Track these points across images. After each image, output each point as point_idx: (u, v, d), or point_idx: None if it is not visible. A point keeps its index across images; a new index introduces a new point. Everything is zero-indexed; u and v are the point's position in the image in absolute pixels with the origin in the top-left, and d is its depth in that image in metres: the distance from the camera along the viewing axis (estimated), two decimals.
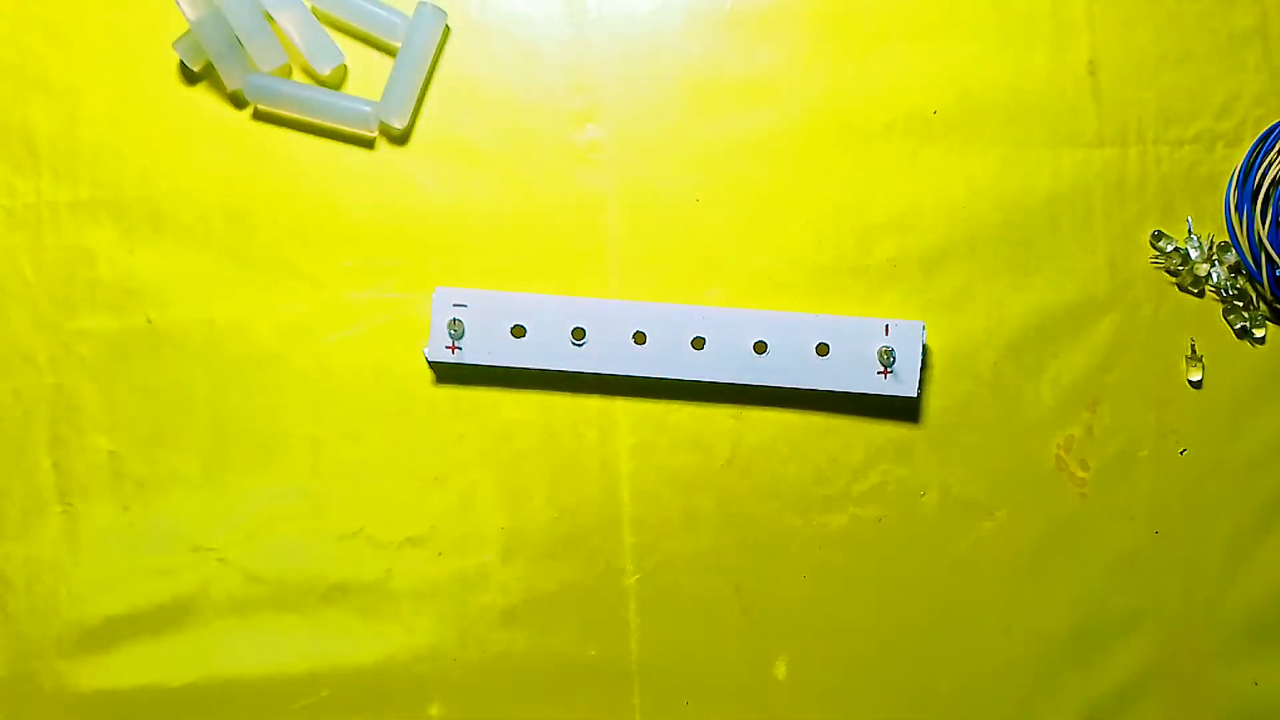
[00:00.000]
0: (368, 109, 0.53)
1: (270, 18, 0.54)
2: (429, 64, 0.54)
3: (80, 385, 0.54)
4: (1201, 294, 0.54)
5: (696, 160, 0.54)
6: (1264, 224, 0.53)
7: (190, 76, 0.55)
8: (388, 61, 0.55)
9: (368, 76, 0.55)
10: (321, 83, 0.55)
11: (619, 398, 0.54)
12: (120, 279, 0.54)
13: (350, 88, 0.55)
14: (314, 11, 0.54)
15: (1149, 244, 0.54)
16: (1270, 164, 0.53)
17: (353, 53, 0.55)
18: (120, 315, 0.54)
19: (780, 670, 0.53)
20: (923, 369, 0.53)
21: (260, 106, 0.54)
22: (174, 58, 0.55)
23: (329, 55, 0.54)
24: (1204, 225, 0.54)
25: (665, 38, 0.55)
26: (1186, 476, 0.53)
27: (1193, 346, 0.53)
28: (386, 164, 0.55)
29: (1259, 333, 0.53)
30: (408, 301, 0.54)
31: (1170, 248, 0.54)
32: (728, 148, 0.54)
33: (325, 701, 0.53)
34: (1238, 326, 0.53)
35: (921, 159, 0.54)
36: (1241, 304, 0.54)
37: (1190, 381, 0.53)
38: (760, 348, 0.52)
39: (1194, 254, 0.53)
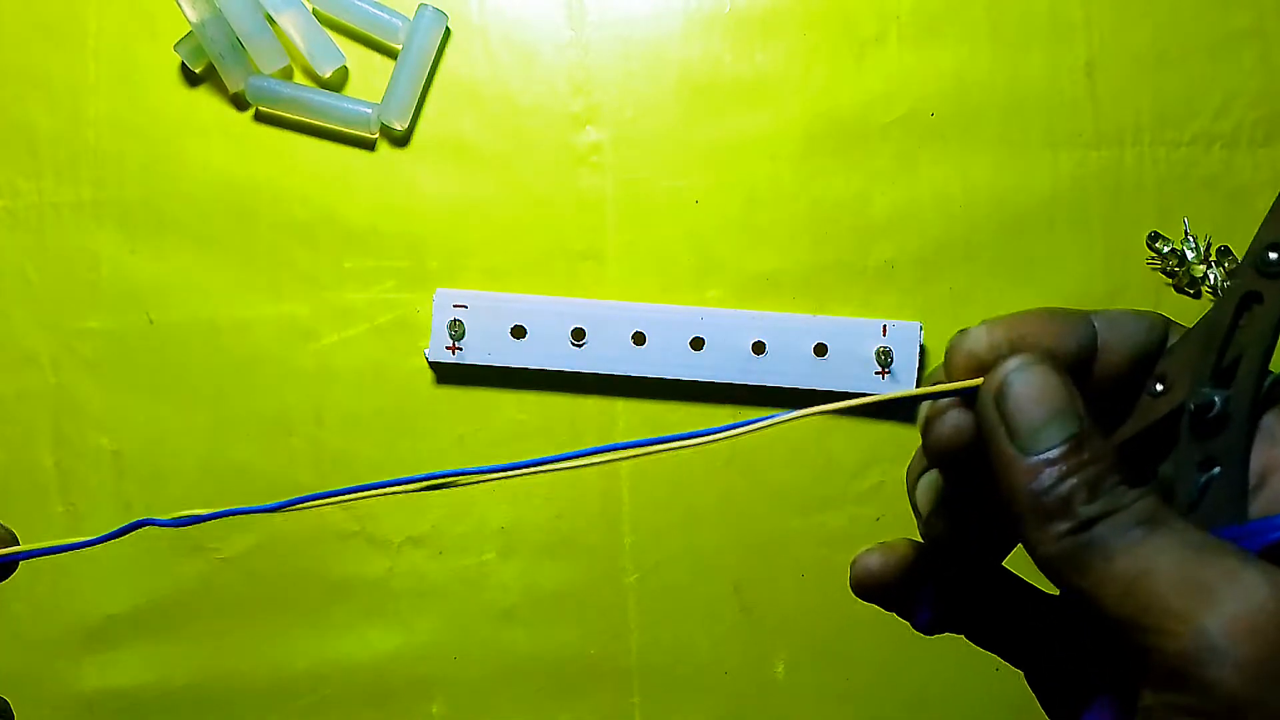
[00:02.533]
0: (369, 111, 0.54)
1: (272, 20, 0.54)
2: (429, 66, 0.55)
3: (82, 385, 0.54)
4: (1198, 295, 0.54)
5: (696, 162, 0.54)
6: None
7: (192, 78, 0.55)
8: (388, 63, 0.55)
9: (369, 78, 0.55)
10: (323, 84, 0.55)
11: (619, 398, 0.54)
12: (122, 279, 0.54)
13: (351, 89, 0.55)
14: (315, 14, 0.55)
15: (1145, 245, 0.54)
16: None
17: (354, 55, 0.56)
18: (122, 315, 0.54)
19: (779, 669, 0.53)
20: (921, 369, 0.53)
21: (262, 108, 0.55)
22: (175, 59, 0.55)
23: (330, 57, 0.54)
24: (1201, 226, 0.54)
25: (665, 40, 0.55)
26: None
27: None
28: (387, 165, 0.55)
29: None
30: (408, 301, 0.54)
31: (1167, 249, 0.54)
32: (727, 149, 0.55)
33: (327, 700, 0.53)
34: None
35: (919, 160, 0.54)
36: None
37: None
38: (759, 348, 0.52)
39: (1190, 255, 0.54)
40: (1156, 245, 0.54)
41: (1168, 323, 0.26)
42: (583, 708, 0.53)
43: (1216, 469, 0.23)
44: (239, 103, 0.55)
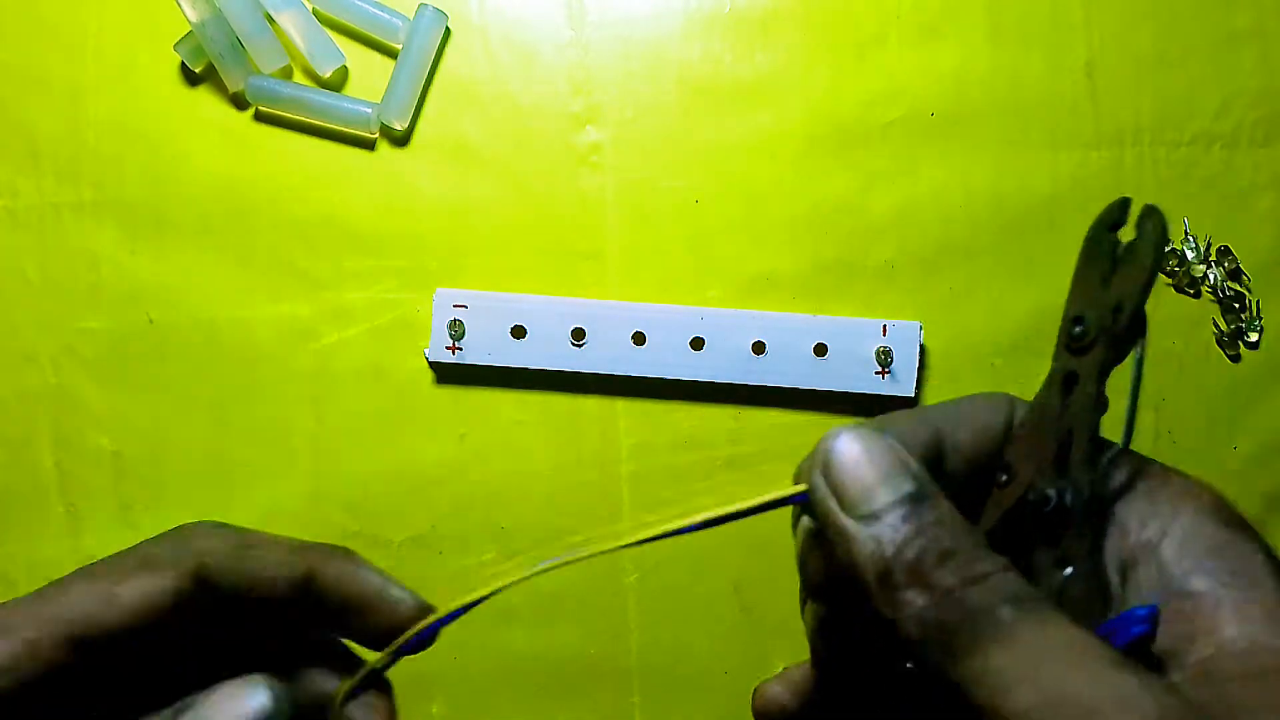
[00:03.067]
0: (368, 110, 0.54)
1: (272, 20, 0.54)
2: (429, 66, 0.55)
3: (83, 385, 0.54)
4: (1198, 295, 0.54)
5: (696, 162, 0.54)
6: None
7: (192, 78, 0.55)
8: (388, 63, 0.55)
9: (369, 78, 0.55)
10: (323, 84, 0.55)
11: (619, 398, 0.54)
12: (122, 280, 0.54)
13: (351, 89, 0.55)
14: (315, 13, 0.55)
15: None
16: None
17: (354, 54, 0.56)
18: (122, 316, 0.54)
19: (779, 669, 0.53)
20: (920, 369, 0.53)
21: (262, 108, 0.55)
22: (175, 59, 0.55)
23: (330, 57, 0.54)
24: (1201, 226, 0.54)
25: (665, 40, 0.55)
26: None
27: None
28: (387, 165, 0.55)
29: (1253, 336, 0.54)
30: (408, 301, 0.54)
31: (1167, 249, 0.54)
32: (727, 149, 0.55)
33: None
34: (1233, 328, 0.54)
35: (919, 160, 0.54)
36: (1238, 305, 0.54)
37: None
38: (759, 348, 0.52)
39: (1190, 255, 0.54)
40: None
41: (1013, 404, 0.24)
42: (583, 708, 0.53)
43: (1069, 568, 0.21)
44: (239, 103, 0.55)
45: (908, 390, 0.52)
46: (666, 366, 0.53)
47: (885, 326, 0.52)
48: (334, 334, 0.54)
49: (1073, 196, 0.54)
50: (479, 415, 0.54)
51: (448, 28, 0.55)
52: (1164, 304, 0.54)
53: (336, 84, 0.55)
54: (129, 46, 0.55)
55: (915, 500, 0.20)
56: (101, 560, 0.26)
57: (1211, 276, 0.54)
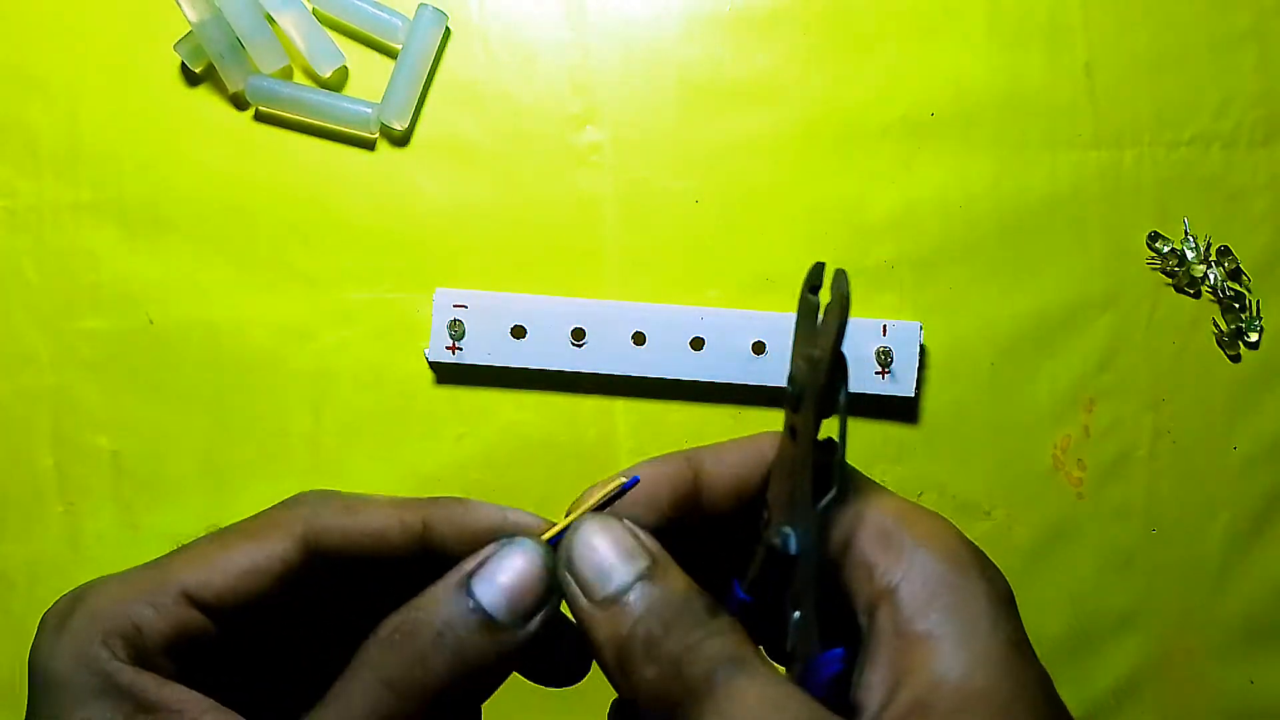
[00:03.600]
0: (368, 110, 0.54)
1: (272, 20, 0.54)
2: (429, 66, 0.55)
3: (82, 385, 0.54)
4: (1198, 295, 0.54)
5: (695, 162, 0.54)
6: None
7: (192, 78, 0.55)
8: (388, 63, 0.55)
9: (368, 78, 0.55)
10: (322, 84, 0.55)
11: (618, 398, 0.54)
12: (121, 280, 0.54)
13: (351, 89, 0.55)
14: (315, 14, 0.55)
15: (1145, 245, 0.54)
16: None
17: (353, 55, 0.56)
18: (121, 316, 0.54)
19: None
20: (920, 369, 0.53)
21: (261, 108, 0.55)
22: (175, 59, 0.55)
23: (330, 57, 0.54)
24: (1201, 226, 0.54)
25: (664, 40, 0.55)
26: (1183, 476, 0.54)
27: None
28: (387, 165, 0.55)
29: (1253, 336, 0.54)
30: (408, 301, 0.54)
31: (1167, 249, 0.54)
32: (726, 149, 0.55)
33: None
34: (1233, 327, 0.54)
35: (918, 161, 0.54)
36: (1238, 305, 0.54)
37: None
38: (759, 348, 0.52)
39: (1190, 255, 0.54)
40: (1156, 245, 0.54)
41: (776, 445, 0.25)
42: (581, 707, 0.53)
43: (797, 611, 0.22)
44: (239, 103, 0.55)
45: (908, 390, 0.52)
46: (666, 366, 0.53)
47: (885, 326, 0.52)
48: (333, 334, 0.54)
49: (1072, 197, 0.54)
50: (478, 415, 0.54)
51: (448, 28, 0.55)
52: (1164, 304, 0.54)
53: (336, 84, 0.55)
54: (128, 46, 0.55)
55: (647, 577, 0.21)
56: (214, 532, 0.26)
57: (1211, 276, 0.54)
